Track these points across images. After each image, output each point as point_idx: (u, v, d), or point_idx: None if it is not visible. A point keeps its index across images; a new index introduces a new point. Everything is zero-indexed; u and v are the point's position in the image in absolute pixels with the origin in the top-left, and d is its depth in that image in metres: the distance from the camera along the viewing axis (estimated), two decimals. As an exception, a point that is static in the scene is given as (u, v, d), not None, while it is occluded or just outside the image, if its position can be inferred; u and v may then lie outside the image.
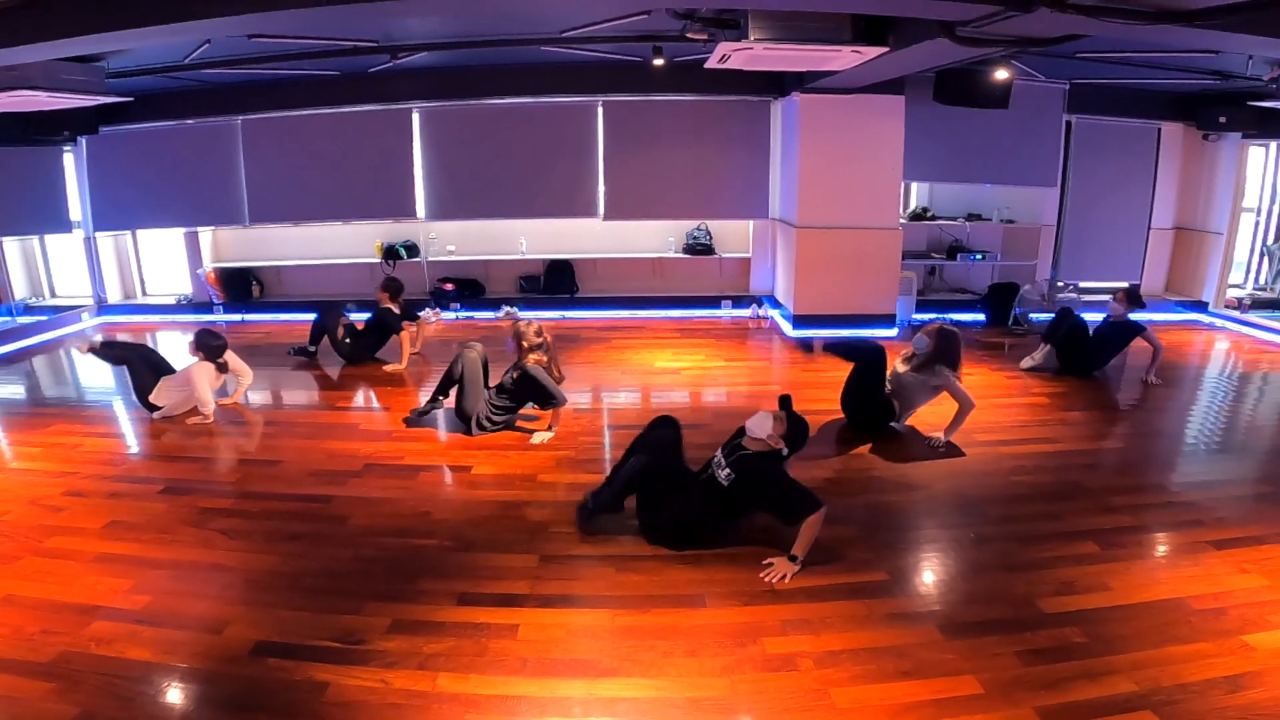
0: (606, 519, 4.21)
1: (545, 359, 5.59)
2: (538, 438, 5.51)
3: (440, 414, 5.90)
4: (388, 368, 7.33)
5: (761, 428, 3.94)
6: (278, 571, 3.82)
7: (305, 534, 4.20)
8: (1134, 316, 7.04)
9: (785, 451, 3.97)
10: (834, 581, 3.68)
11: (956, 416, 5.40)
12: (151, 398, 6.00)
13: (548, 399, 5.54)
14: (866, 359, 5.64)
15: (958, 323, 9.02)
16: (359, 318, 7.78)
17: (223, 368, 6.10)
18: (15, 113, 7.57)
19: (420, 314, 8.11)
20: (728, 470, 3.90)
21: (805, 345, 8.24)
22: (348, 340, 7.52)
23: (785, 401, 4.04)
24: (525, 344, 5.55)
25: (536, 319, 5.72)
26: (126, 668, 3.08)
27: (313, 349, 7.69)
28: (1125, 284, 7.69)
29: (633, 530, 4.11)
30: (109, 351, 6.32)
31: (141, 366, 6.09)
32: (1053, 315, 7.57)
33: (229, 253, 10.24)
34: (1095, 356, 7.12)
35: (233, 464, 5.33)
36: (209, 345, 5.99)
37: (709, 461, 4.08)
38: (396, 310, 7.49)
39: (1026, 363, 7.27)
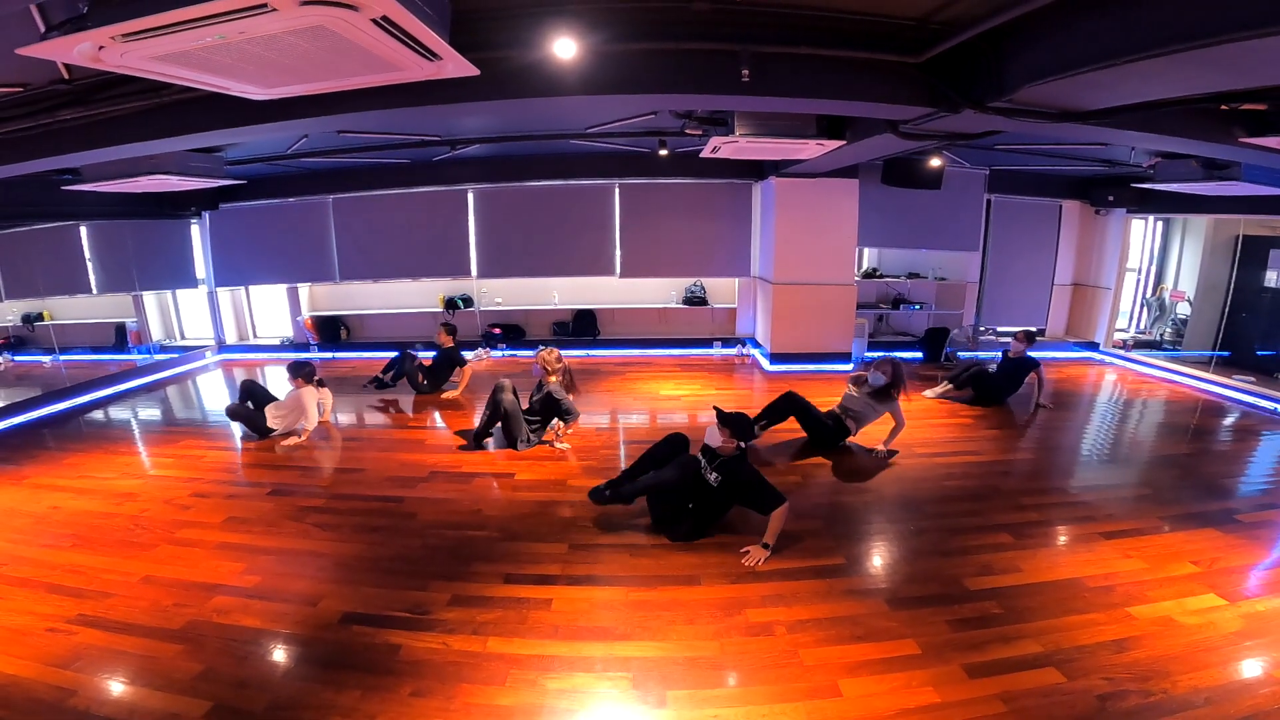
0: (621, 514, 4.25)
1: (562, 380, 5.69)
2: (560, 445, 5.64)
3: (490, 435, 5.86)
4: (446, 394, 7.37)
5: (715, 438, 4.07)
6: (361, 557, 3.86)
7: (382, 527, 4.24)
8: (1032, 353, 7.04)
9: (742, 445, 4.00)
10: (802, 564, 3.71)
11: (893, 431, 5.47)
12: (268, 423, 6.06)
13: (565, 414, 5.63)
14: (793, 406, 5.67)
15: (900, 359, 9.08)
16: (425, 355, 7.79)
17: (321, 383, 6.22)
18: (153, 192, 7.71)
19: (469, 356, 8.10)
20: (715, 474, 3.94)
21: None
22: (424, 380, 7.49)
23: (718, 411, 4.07)
24: (546, 368, 5.65)
25: (556, 348, 5.74)
26: (241, 633, 3.14)
27: (385, 377, 7.60)
28: (1025, 327, 7.58)
29: (643, 527, 4.15)
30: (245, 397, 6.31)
31: (259, 402, 6.21)
32: (966, 359, 7.53)
33: (323, 303, 10.35)
34: (1004, 389, 7.04)
35: (325, 472, 5.36)
36: (307, 372, 6.08)
37: (697, 468, 4.08)
38: (454, 347, 7.55)
39: (929, 392, 7.28)
